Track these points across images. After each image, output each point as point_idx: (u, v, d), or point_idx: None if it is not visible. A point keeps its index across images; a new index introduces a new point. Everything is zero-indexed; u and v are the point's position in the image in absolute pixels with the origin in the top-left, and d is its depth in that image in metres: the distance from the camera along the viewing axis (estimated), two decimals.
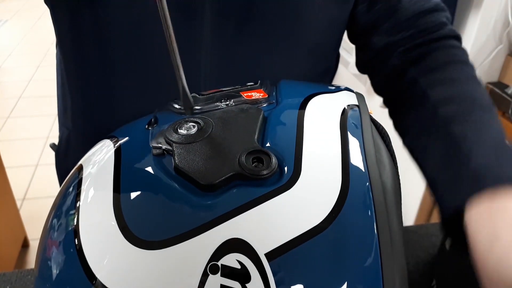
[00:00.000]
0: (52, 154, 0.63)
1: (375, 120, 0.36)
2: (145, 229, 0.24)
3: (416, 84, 0.46)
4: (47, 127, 2.39)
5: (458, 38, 0.50)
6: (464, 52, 0.49)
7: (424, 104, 0.45)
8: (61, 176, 0.63)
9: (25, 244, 1.66)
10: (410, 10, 0.48)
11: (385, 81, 0.52)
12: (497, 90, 1.26)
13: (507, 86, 1.26)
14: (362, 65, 0.54)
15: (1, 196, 1.46)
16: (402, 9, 0.48)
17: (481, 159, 0.38)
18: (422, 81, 0.46)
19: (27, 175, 2.05)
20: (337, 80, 0.59)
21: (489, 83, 1.29)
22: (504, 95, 1.23)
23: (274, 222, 0.24)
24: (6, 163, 1.49)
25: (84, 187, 0.29)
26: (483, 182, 0.36)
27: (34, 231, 1.70)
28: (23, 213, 1.70)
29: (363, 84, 1.56)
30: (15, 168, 2.03)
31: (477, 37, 1.21)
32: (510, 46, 1.24)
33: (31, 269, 0.55)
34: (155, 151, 0.29)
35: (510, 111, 1.19)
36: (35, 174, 2.06)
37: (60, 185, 0.62)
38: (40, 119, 2.47)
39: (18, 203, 1.80)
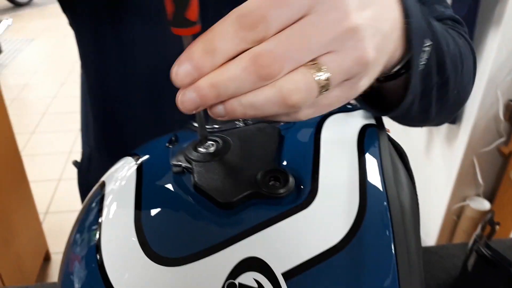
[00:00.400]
0: (74, 169, 0.65)
1: (393, 140, 0.36)
2: (164, 245, 0.25)
3: None
4: (70, 142, 2.45)
5: (467, 34, 0.48)
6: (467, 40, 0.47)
7: None
8: (83, 192, 0.64)
9: (47, 258, 1.69)
10: None
11: None
12: None
13: None
14: None
15: (25, 210, 1.50)
16: None
17: None
18: None
19: (50, 189, 2.09)
20: None
21: (511, 100, 1.27)
22: None
23: (291, 241, 0.24)
24: (30, 177, 1.53)
25: (106, 203, 0.30)
26: None
27: (56, 245, 1.73)
28: (46, 227, 1.73)
29: None
30: (39, 182, 2.08)
31: (498, 54, 1.20)
32: None
33: (53, 283, 0.56)
34: (175, 169, 0.29)
35: None
36: (57, 188, 2.10)
37: (82, 200, 0.64)
38: (63, 134, 2.53)
39: (41, 217, 1.83)
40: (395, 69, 0.34)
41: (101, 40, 0.48)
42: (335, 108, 0.27)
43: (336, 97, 0.26)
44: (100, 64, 0.50)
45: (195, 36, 0.24)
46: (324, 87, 0.24)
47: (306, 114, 0.25)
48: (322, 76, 0.23)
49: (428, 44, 0.34)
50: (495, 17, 1.18)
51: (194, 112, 0.24)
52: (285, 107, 0.23)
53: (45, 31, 4.27)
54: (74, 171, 0.65)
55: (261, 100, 0.23)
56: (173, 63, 0.24)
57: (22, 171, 1.49)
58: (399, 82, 0.35)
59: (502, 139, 1.34)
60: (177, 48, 0.24)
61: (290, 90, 0.23)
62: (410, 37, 0.31)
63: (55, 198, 2.04)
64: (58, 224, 1.86)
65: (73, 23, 0.50)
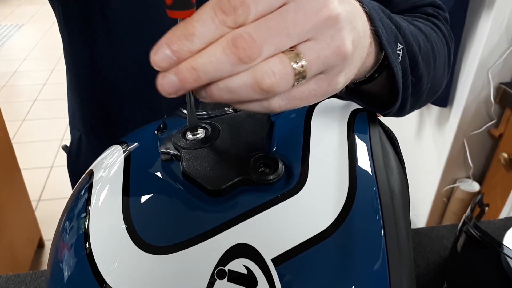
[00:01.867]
0: (65, 156, 0.64)
1: (383, 124, 0.36)
2: (153, 234, 0.25)
3: None
4: (62, 129, 2.43)
5: (447, 21, 0.49)
6: (447, 29, 0.48)
7: None
8: (73, 177, 0.64)
9: (41, 245, 1.69)
10: (402, 5, 0.48)
11: None
12: (510, 90, 1.24)
13: None
14: None
15: (17, 197, 1.49)
16: (394, 3, 0.47)
17: None
18: None
19: (43, 176, 2.08)
20: None
21: (502, 83, 1.28)
22: None
23: (281, 227, 0.24)
24: (22, 165, 1.52)
25: (95, 191, 0.30)
26: None
27: (49, 232, 1.73)
28: (39, 214, 1.73)
29: None
30: (31, 169, 2.07)
31: (489, 38, 1.20)
32: None
33: (46, 270, 0.56)
34: (163, 157, 0.29)
35: None
36: (50, 176, 2.09)
37: (72, 185, 0.63)
38: (55, 121, 2.51)
39: (34, 204, 1.83)
40: (368, 74, 0.35)
41: (89, 25, 0.47)
42: (309, 103, 0.27)
43: (311, 90, 0.26)
44: (87, 49, 0.49)
45: None
46: (300, 74, 0.23)
47: (279, 104, 0.25)
48: (299, 63, 0.23)
49: (400, 47, 0.34)
50: (486, 1, 1.18)
51: (174, 95, 0.24)
52: (259, 91, 0.23)
53: (34, 16, 4.19)
54: (66, 158, 0.64)
55: (236, 84, 0.23)
56: (158, 37, 0.24)
57: (13, 159, 1.48)
58: (375, 86, 0.36)
59: (493, 122, 1.35)
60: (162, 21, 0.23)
61: (265, 73, 0.22)
62: (382, 42, 0.32)
63: (48, 185, 2.03)
64: (51, 211, 1.86)
65: (60, 8, 0.49)
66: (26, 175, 1.56)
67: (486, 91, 1.29)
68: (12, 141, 1.49)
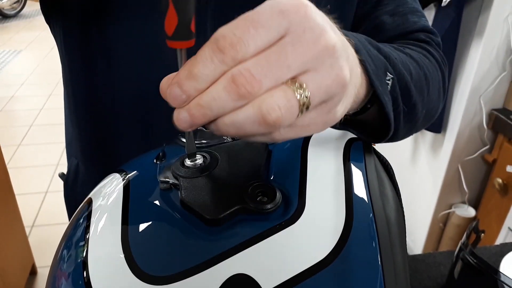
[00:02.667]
0: (61, 181, 0.64)
1: (378, 153, 0.36)
2: (151, 263, 0.25)
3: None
4: (57, 155, 2.42)
5: (439, 45, 0.51)
6: (439, 56, 0.50)
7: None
8: (69, 205, 0.63)
9: (33, 271, 1.66)
10: (391, 32, 0.49)
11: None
12: (502, 117, 1.26)
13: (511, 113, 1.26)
14: None
15: (11, 223, 1.47)
16: (384, 31, 0.49)
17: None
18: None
19: (37, 202, 2.06)
20: None
21: (494, 109, 1.30)
22: (509, 121, 1.23)
23: (279, 257, 0.24)
24: (16, 190, 1.51)
25: (93, 219, 0.30)
26: None
27: (42, 259, 1.70)
28: (32, 240, 1.71)
29: None
30: (25, 195, 2.05)
31: (480, 65, 1.22)
32: None
33: None
34: (162, 186, 0.29)
35: None
36: (44, 201, 2.07)
37: (68, 213, 0.63)
38: (50, 146, 2.50)
39: (27, 230, 1.80)
40: (361, 105, 0.36)
41: (88, 49, 0.48)
42: (310, 133, 0.27)
43: (313, 119, 0.26)
44: (87, 76, 0.50)
45: (189, 49, 0.25)
46: (305, 104, 0.24)
47: (282, 134, 0.26)
48: (303, 94, 0.24)
49: (389, 77, 0.35)
50: (477, 29, 1.21)
51: (189, 129, 0.25)
52: (265, 125, 0.23)
53: (32, 43, 4.24)
54: (61, 184, 0.64)
55: (241, 119, 0.23)
56: (160, 77, 0.25)
57: (8, 184, 1.47)
58: (368, 116, 0.37)
59: (486, 147, 1.36)
60: (165, 61, 0.24)
61: (270, 108, 0.23)
62: (368, 73, 0.33)
63: (42, 211, 2.01)
64: (45, 237, 1.84)
65: (60, 30, 0.50)
66: (20, 201, 1.55)
67: (479, 117, 1.31)
68: (7, 166, 1.49)
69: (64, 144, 0.64)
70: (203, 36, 0.43)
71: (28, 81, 3.43)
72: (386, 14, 0.49)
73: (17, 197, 1.52)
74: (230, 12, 0.43)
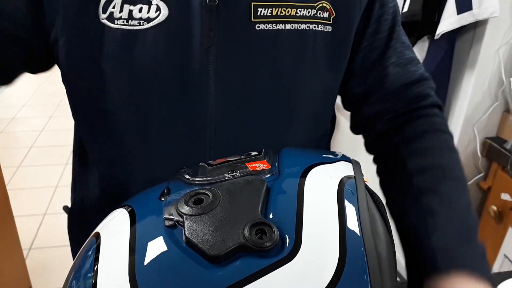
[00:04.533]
0: (60, 203, 0.65)
1: (371, 190, 0.38)
2: None
3: (397, 151, 0.53)
4: (57, 176, 2.43)
5: (440, 107, 0.56)
6: (443, 121, 0.55)
7: (402, 172, 0.51)
8: (73, 237, 0.64)
9: None
10: (396, 82, 0.53)
11: (374, 144, 0.58)
12: (495, 145, 1.29)
13: (505, 141, 1.29)
14: (355, 128, 0.60)
15: (8, 245, 1.47)
16: (390, 81, 0.53)
17: (438, 241, 0.44)
18: (402, 150, 0.53)
19: (35, 224, 2.06)
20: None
21: (488, 138, 1.33)
22: (502, 150, 1.25)
23: None
24: (15, 212, 1.51)
25: (102, 253, 0.32)
26: (435, 265, 0.42)
27: (39, 282, 1.69)
28: (29, 263, 1.70)
29: None
30: (24, 217, 2.05)
31: (473, 95, 1.26)
32: (506, 103, 1.29)
33: None
34: (167, 223, 0.31)
35: (509, 166, 1.21)
36: (42, 223, 2.07)
37: (72, 245, 0.64)
38: (50, 168, 2.51)
39: (25, 253, 1.80)
40: None
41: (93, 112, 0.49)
42: None
43: None
44: (90, 115, 0.51)
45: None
46: None
47: None
48: None
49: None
50: (469, 61, 1.25)
51: None
52: None
53: None
54: (59, 206, 0.65)
55: None
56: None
57: (7, 206, 1.47)
58: None
59: (481, 175, 1.38)
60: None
61: None
62: None
63: (40, 233, 2.01)
64: (42, 260, 1.83)
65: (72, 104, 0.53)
66: (18, 223, 1.55)
67: (473, 145, 1.34)
68: (7, 188, 1.50)
69: (63, 166, 0.65)
70: (205, 78, 0.46)
71: (29, 102, 3.46)
72: (391, 66, 0.53)
73: (15, 219, 1.52)
74: (232, 57, 0.46)
